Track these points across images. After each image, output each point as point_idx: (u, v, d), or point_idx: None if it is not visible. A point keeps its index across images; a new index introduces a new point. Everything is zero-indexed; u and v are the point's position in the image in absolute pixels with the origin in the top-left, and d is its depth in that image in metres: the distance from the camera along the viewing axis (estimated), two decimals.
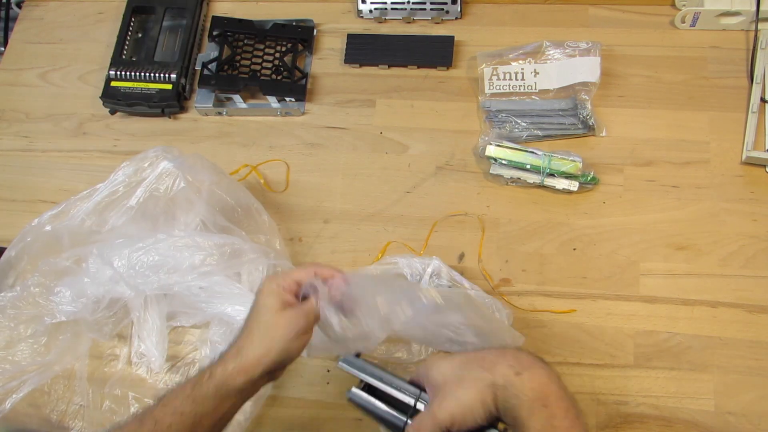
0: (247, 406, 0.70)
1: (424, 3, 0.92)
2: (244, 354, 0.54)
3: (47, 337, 0.75)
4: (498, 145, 0.80)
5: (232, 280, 0.72)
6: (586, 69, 0.84)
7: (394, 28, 0.95)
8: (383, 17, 0.95)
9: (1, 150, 0.94)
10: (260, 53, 0.93)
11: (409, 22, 0.95)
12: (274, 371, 0.55)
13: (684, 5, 0.87)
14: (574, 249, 0.77)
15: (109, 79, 0.92)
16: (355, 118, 0.89)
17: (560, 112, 0.84)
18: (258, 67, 0.92)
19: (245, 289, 0.71)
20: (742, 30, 0.86)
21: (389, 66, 0.91)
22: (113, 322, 0.76)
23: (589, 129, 0.82)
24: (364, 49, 0.92)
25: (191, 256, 0.69)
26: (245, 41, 0.94)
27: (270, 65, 0.92)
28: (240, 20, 0.95)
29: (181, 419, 0.52)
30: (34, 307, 0.73)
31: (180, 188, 0.74)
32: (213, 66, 0.91)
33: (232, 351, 0.55)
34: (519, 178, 0.80)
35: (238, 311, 0.69)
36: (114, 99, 0.91)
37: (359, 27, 0.95)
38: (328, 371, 0.75)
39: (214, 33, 0.94)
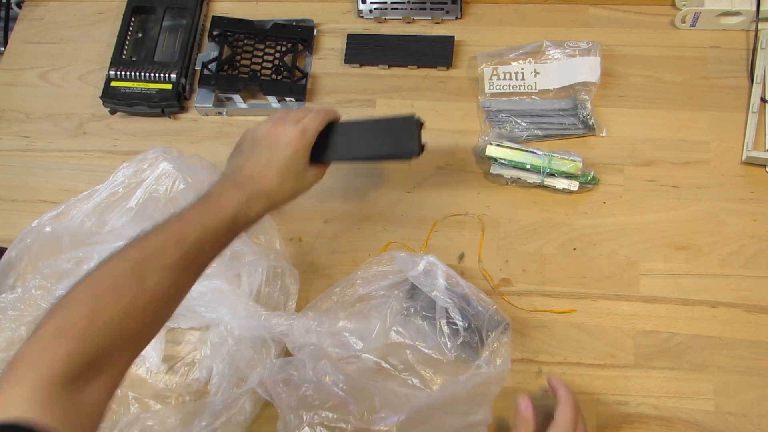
0: (247, 406, 0.70)
1: (424, 3, 0.92)
2: (262, 184, 0.59)
3: None
4: (498, 145, 0.80)
5: (232, 285, 0.72)
6: (586, 69, 0.84)
7: (394, 28, 0.95)
8: (383, 17, 0.95)
9: (1, 150, 0.94)
10: (260, 53, 0.93)
11: (409, 22, 0.95)
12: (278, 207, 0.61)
13: (684, 5, 0.87)
14: (574, 249, 0.77)
15: (109, 79, 0.92)
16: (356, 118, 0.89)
17: (560, 112, 0.84)
18: (258, 67, 0.92)
19: (243, 296, 0.71)
20: (743, 30, 0.86)
21: (389, 66, 0.91)
22: None
23: (589, 129, 0.82)
24: (364, 49, 0.92)
25: None
26: (245, 41, 0.94)
27: (270, 65, 0.92)
28: (240, 20, 0.95)
29: (214, 242, 0.55)
30: (36, 309, 0.73)
31: (180, 189, 0.74)
32: (213, 66, 0.91)
33: (245, 174, 0.59)
34: (519, 178, 0.80)
35: (237, 317, 0.69)
36: (114, 99, 0.91)
37: (359, 27, 0.95)
38: None
39: (214, 33, 0.94)
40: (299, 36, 0.93)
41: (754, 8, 0.83)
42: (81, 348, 0.46)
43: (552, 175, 0.79)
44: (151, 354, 0.73)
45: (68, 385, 0.45)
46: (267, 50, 0.93)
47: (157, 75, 0.91)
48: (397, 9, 0.94)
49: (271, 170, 0.60)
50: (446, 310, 0.69)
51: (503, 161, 0.80)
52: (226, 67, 0.91)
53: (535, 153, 0.79)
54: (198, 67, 0.93)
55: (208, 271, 0.70)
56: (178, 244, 0.52)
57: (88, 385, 0.47)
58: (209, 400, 0.69)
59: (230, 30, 0.94)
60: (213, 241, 0.55)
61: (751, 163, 0.79)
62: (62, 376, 0.45)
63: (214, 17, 0.95)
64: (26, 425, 0.41)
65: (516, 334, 0.74)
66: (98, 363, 0.47)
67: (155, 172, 0.74)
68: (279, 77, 0.91)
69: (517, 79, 0.86)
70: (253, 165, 0.61)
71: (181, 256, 0.52)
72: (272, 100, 0.90)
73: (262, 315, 0.70)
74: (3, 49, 1.03)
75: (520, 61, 0.86)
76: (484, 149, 0.80)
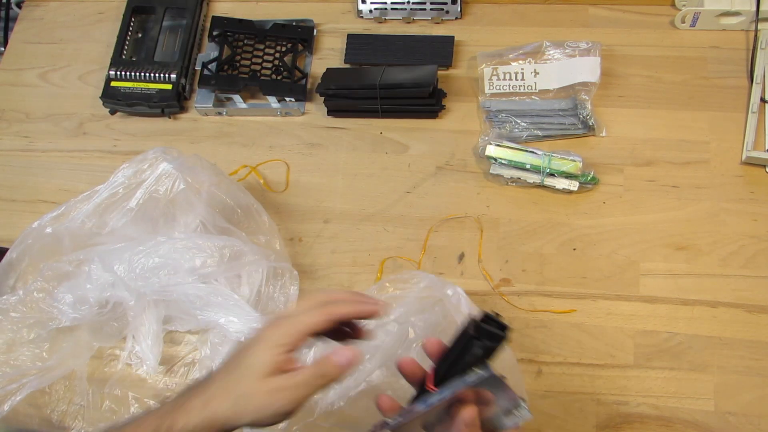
0: None
1: (424, 3, 0.92)
2: (209, 409, 0.45)
3: (49, 342, 0.75)
4: (498, 145, 0.80)
5: (230, 289, 0.72)
6: (586, 69, 0.84)
7: (394, 28, 0.95)
8: (383, 17, 0.95)
9: (1, 150, 0.94)
10: (260, 53, 0.93)
11: (409, 22, 0.95)
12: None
13: (684, 5, 0.87)
14: (574, 249, 0.77)
15: (109, 79, 0.92)
16: (355, 118, 0.89)
17: (560, 112, 0.84)
18: (258, 67, 0.92)
19: (242, 301, 0.71)
20: (742, 30, 0.86)
21: (389, 66, 0.91)
22: (117, 327, 0.76)
23: (589, 129, 0.82)
24: (364, 49, 0.92)
25: (191, 259, 0.69)
26: (245, 41, 0.94)
27: (270, 65, 0.92)
28: (240, 20, 0.95)
29: None
30: (37, 311, 0.73)
31: (180, 190, 0.74)
32: (213, 66, 0.91)
33: (196, 402, 0.46)
34: (519, 178, 0.80)
35: (232, 322, 0.69)
36: (114, 99, 0.91)
37: (359, 27, 0.95)
38: None
39: (214, 33, 0.94)
40: (299, 36, 0.93)
41: (754, 8, 0.83)
42: None
43: (552, 175, 0.79)
44: (149, 357, 0.73)
45: None
46: (267, 50, 0.93)
47: (157, 75, 0.91)
48: (397, 9, 0.94)
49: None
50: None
51: (503, 161, 0.80)
52: (226, 67, 0.91)
53: (535, 153, 0.79)
54: (198, 67, 0.93)
55: (207, 270, 0.70)
56: None
57: None
58: None
59: (230, 30, 0.94)
60: None
61: (751, 163, 0.79)
62: None
63: (214, 17, 0.95)
64: None
65: (516, 334, 0.74)
66: None
67: (155, 173, 0.74)
68: (279, 77, 0.91)
69: (517, 79, 0.86)
70: (213, 392, 0.47)
71: None
72: (272, 100, 0.90)
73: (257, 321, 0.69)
74: (3, 49, 1.03)
75: (520, 61, 0.86)
76: (484, 149, 0.81)
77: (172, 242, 0.70)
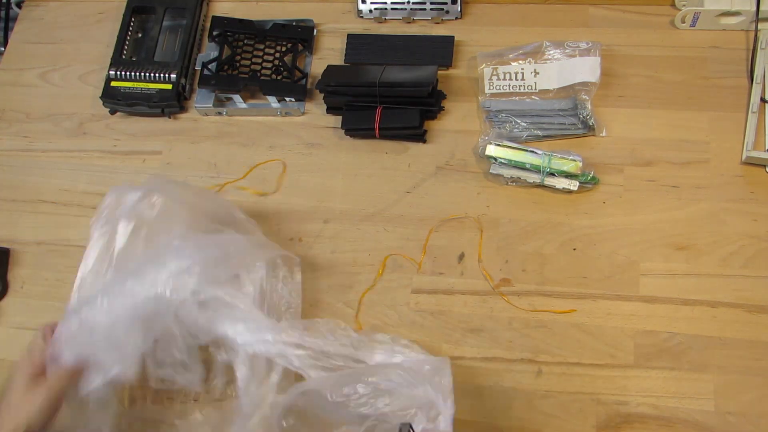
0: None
1: (424, 3, 0.92)
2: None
3: None
4: (498, 145, 0.80)
5: (234, 286, 0.70)
6: (586, 69, 0.84)
7: (394, 28, 0.95)
8: (383, 17, 0.95)
9: (1, 150, 0.94)
10: (260, 53, 0.93)
11: (409, 22, 0.95)
12: None
13: (684, 5, 0.87)
14: (574, 249, 0.77)
15: (109, 79, 0.92)
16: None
17: (560, 112, 0.84)
18: (258, 67, 0.92)
19: (248, 302, 0.69)
20: (742, 30, 0.86)
21: (389, 65, 0.91)
22: None
23: (589, 129, 0.82)
24: (364, 49, 0.92)
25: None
26: (245, 41, 0.94)
27: (270, 65, 0.92)
28: (240, 20, 0.95)
29: None
30: None
31: (160, 218, 0.70)
32: (213, 66, 0.91)
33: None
34: (519, 178, 0.80)
35: (238, 332, 0.68)
36: (114, 99, 0.91)
37: (359, 27, 0.95)
38: None
39: (214, 33, 0.94)
40: (299, 36, 0.93)
41: (754, 8, 0.83)
42: None
43: (552, 174, 0.79)
44: None
45: None
46: (267, 50, 0.93)
47: (157, 75, 0.91)
48: (397, 9, 0.94)
49: None
50: None
51: (503, 161, 0.80)
52: (226, 67, 0.91)
53: (535, 152, 0.79)
54: (198, 67, 0.93)
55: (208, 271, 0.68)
56: None
57: None
58: (238, 402, 0.68)
59: (230, 30, 0.94)
60: None
61: (751, 163, 0.79)
62: None
63: (214, 17, 0.95)
64: None
65: (516, 334, 0.74)
66: None
67: (127, 222, 0.70)
68: (279, 77, 0.91)
69: (517, 79, 0.86)
70: None
71: None
72: (272, 100, 0.90)
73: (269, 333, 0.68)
74: (3, 49, 1.03)
75: (520, 61, 0.86)
76: (484, 149, 0.81)
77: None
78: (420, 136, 0.85)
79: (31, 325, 0.82)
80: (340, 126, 0.87)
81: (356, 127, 0.86)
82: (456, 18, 0.93)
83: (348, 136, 0.87)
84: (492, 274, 0.77)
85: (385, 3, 0.93)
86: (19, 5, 1.06)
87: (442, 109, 0.86)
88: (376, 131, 0.84)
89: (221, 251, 0.68)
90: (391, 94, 0.83)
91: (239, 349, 0.68)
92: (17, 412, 0.59)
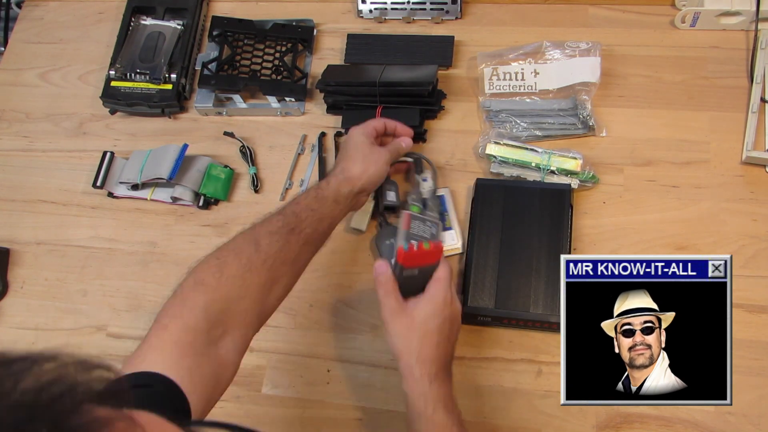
0: (250, 408, 0.69)
1: (424, 3, 0.92)
2: (347, 171, 0.70)
3: None
4: (498, 143, 0.80)
5: None
6: (586, 69, 0.84)
7: (394, 28, 0.95)
8: (383, 17, 0.95)
9: (1, 150, 0.94)
10: (260, 53, 0.93)
11: (409, 22, 0.95)
12: (363, 191, 0.71)
13: (684, 5, 0.87)
14: (575, 249, 0.77)
15: (109, 79, 0.92)
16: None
17: (560, 113, 0.84)
18: (258, 67, 0.92)
19: None
20: (742, 30, 0.86)
21: (390, 65, 0.91)
22: None
23: (589, 129, 0.82)
24: (364, 49, 0.92)
25: None
26: (245, 41, 0.94)
27: (270, 65, 0.92)
28: (240, 20, 0.95)
29: (312, 215, 0.65)
30: None
31: None
32: (213, 66, 0.91)
33: (337, 170, 0.71)
34: (519, 176, 0.80)
35: None
36: (114, 99, 0.91)
37: (359, 27, 0.95)
38: (328, 371, 0.75)
39: (214, 33, 0.94)
40: (299, 36, 0.93)
41: (754, 8, 0.83)
42: (214, 298, 0.56)
43: (552, 173, 0.79)
44: None
45: (206, 333, 0.54)
46: (267, 50, 0.93)
47: (157, 75, 0.91)
48: (397, 9, 0.94)
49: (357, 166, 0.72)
50: None
51: (503, 159, 0.80)
52: (226, 67, 0.91)
53: (536, 150, 0.79)
54: (198, 67, 0.93)
55: None
56: (279, 213, 0.65)
57: (222, 339, 0.56)
58: None
59: (230, 30, 0.94)
60: (310, 213, 0.65)
61: (751, 163, 0.79)
62: (201, 323, 0.54)
63: (214, 17, 0.95)
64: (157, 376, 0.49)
65: (516, 334, 0.74)
66: (229, 314, 0.56)
67: None
68: (279, 77, 0.91)
69: (517, 80, 0.86)
70: (346, 164, 0.72)
71: (283, 224, 0.63)
72: (272, 100, 0.90)
73: None
74: (3, 49, 1.03)
75: (520, 62, 0.86)
76: (484, 148, 0.80)
77: None
78: (420, 136, 0.85)
79: (31, 325, 0.82)
80: (340, 126, 0.87)
81: None
82: (456, 18, 0.93)
83: None
84: None
85: (385, 3, 0.93)
86: (19, 5, 1.06)
87: (442, 108, 0.86)
88: None
89: None
90: (391, 94, 0.83)
91: None
92: (370, 157, 0.72)
